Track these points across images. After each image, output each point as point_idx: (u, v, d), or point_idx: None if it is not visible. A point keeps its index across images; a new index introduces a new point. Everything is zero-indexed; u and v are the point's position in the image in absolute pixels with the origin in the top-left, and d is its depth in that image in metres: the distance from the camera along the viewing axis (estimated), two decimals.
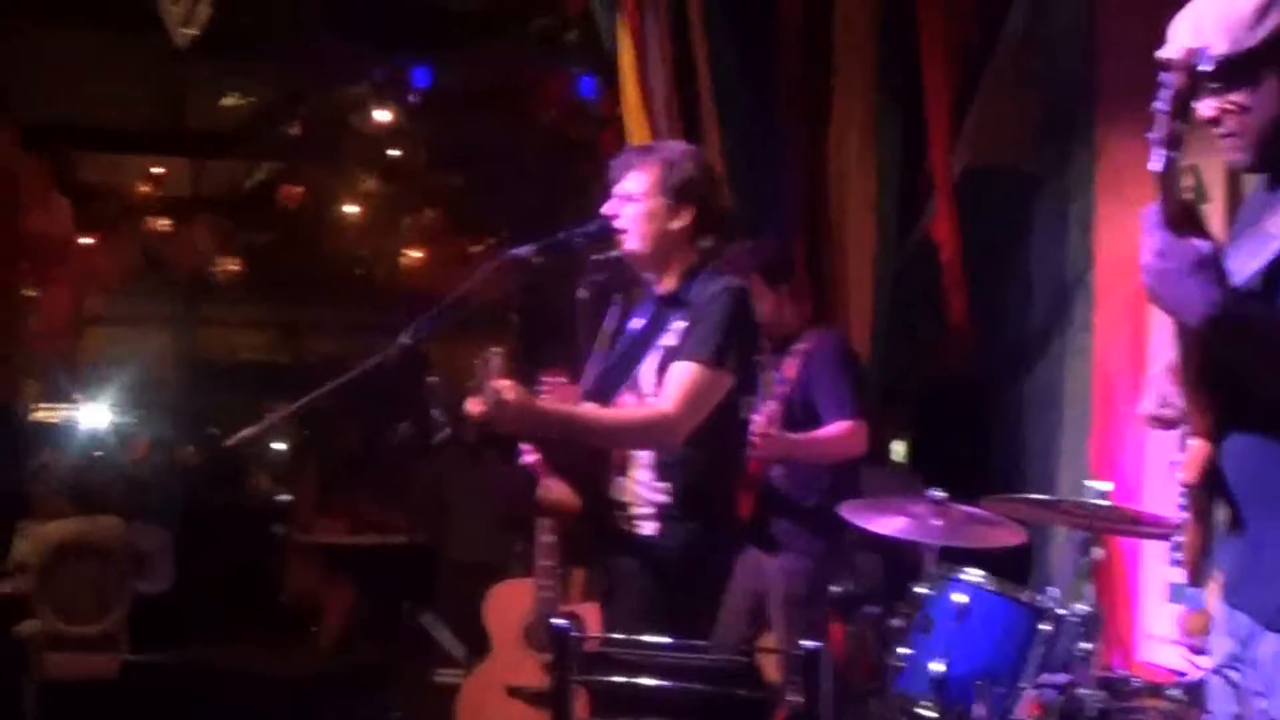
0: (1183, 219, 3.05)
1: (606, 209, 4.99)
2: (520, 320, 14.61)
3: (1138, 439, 7.14)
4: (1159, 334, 6.93)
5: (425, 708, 7.09)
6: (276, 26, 11.62)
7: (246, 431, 5.31)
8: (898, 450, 9.23)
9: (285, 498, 14.62)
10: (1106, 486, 5.41)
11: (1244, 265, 3.15)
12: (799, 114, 7.69)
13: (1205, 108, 3.24)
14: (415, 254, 17.64)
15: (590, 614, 6.06)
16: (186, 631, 10.19)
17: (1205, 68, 2.97)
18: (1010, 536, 6.04)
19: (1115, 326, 7.42)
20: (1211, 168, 6.56)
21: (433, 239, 16.96)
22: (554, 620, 3.36)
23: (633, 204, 4.94)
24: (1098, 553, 5.37)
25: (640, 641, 3.44)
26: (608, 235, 5.02)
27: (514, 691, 6.22)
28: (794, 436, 6.38)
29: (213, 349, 22.48)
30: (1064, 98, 7.97)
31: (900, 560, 7.02)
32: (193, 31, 9.28)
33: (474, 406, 4.48)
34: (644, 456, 4.84)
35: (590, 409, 4.82)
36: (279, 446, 17.12)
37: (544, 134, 11.52)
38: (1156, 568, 6.82)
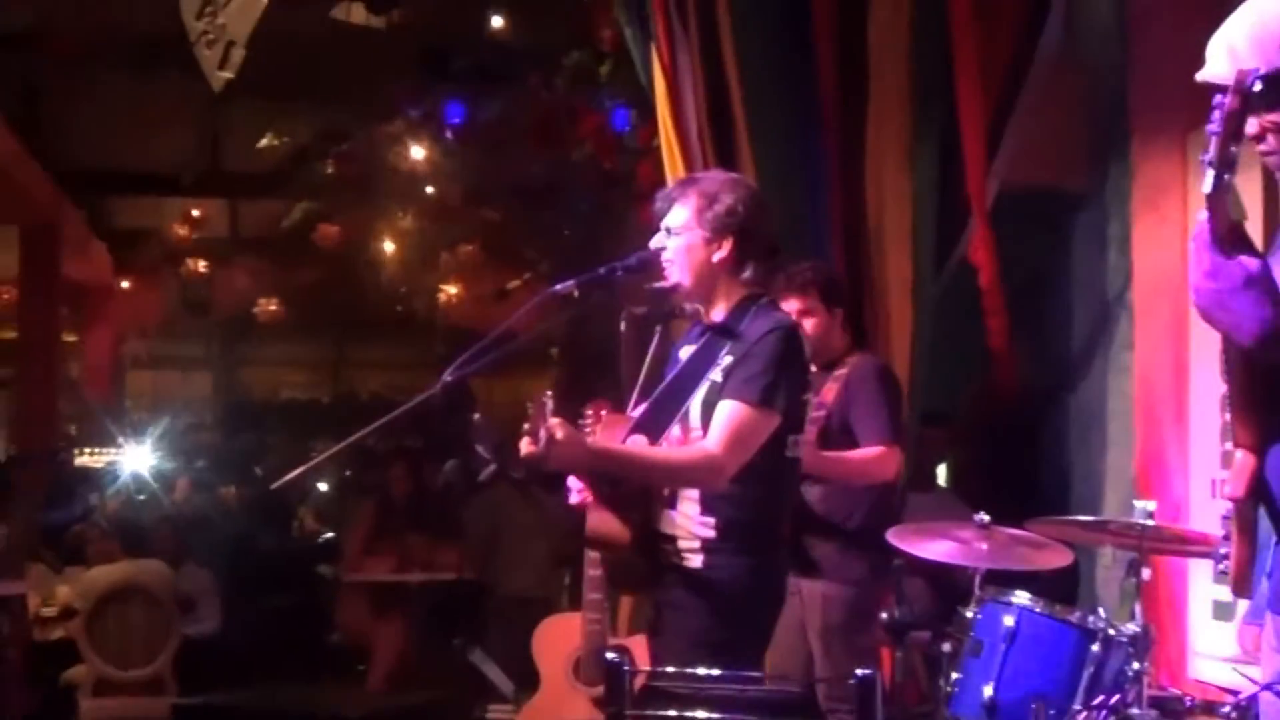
0: (1232, 238, 3.05)
1: (652, 243, 5.02)
2: (561, 353, 14.66)
3: (1182, 456, 7.12)
4: (1201, 349, 6.94)
5: None
6: (311, 67, 11.70)
7: (293, 473, 5.35)
8: (942, 473, 9.20)
9: (330, 536, 14.66)
10: (1152, 506, 5.39)
11: None
12: (834, 141, 7.66)
13: (1247, 125, 3.23)
14: (453, 289, 17.69)
15: (639, 647, 6.06)
16: (235, 674, 10.18)
17: (1257, 88, 2.97)
18: (1057, 558, 6.03)
19: (1156, 343, 7.40)
20: (1248, 183, 6.55)
21: (470, 274, 17.00)
22: (606, 654, 3.36)
23: (675, 237, 4.98)
24: (1145, 573, 5.33)
25: (694, 674, 3.43)
26: (648, 268, 5.07)
27: None
28: (824, 453, 6.38)
29: (255, 389, 22.60)
30: (1099, 117, 7.98)
31: (948, 585, 7.02)
32: (228, 75, 9.34)
33: (527, 446, 4.54)
34: (691, 491, 4.87)
35: (639, 447, 4.87)
36: (323, 486, 17.17)
37: (581, 167, 11.55)
38: (1204, 585, 6.81)
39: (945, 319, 7.84)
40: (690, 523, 4.86)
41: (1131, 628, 5.21)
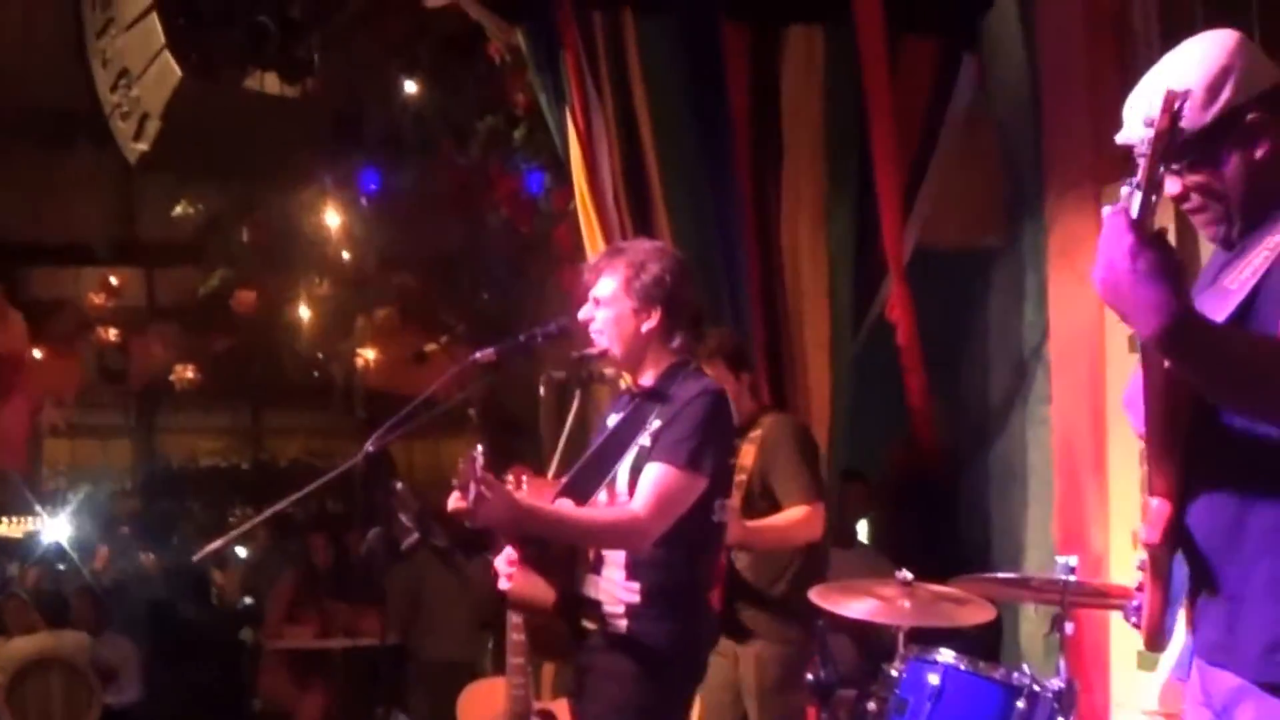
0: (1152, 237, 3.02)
1: (580, 314, 5.06)
2: (479, 416, 14.62)
3: (1102, 509, 7.16)
4: (1118, 401, 6.95)
5: None
6: (225, 136, 11.66)
7: (215, 544, 5.32)
8: (863, 530, 9.23)
9: (250, 603, 14.55)
10: (1073, 561, 5.42)
11: None
12: (749, 202, 7.67)
13: (1171, 185, 3.25)
14: (370, 354, 17.63)
15: (562, 711, 6.05)
16: None
17: (1187, 105, 2.96)
18: (980, 614, 6.05)
19: (1073, 396, 7.45)
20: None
21: (387, 338, 16.95)
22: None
23: (603, 308, 5.01)
24: (1069, 627, 5.37)
25: None
26: (568, 335, 5.16)
27: None
28: (751, 524, 6.40)
29: (173, 456, 22.45)
30: (1013, 173, 8.04)
31: (873, 642, 7.04)
32: (143, 147, 9.31)
33: (456, 501, 4.51)
34: (616, 555, 4.89)
35: (567, 508, 4.87)
36: (242, 553, 17.05)
37: (496, 232, 11.54)
38: (1126, 637, 6.83)
39: (864, 377, 7.87)
40: (615, 587, 4.87)
41: (1056, 683, 5.23)
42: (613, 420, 5.13)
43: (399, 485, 4.68)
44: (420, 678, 10.53)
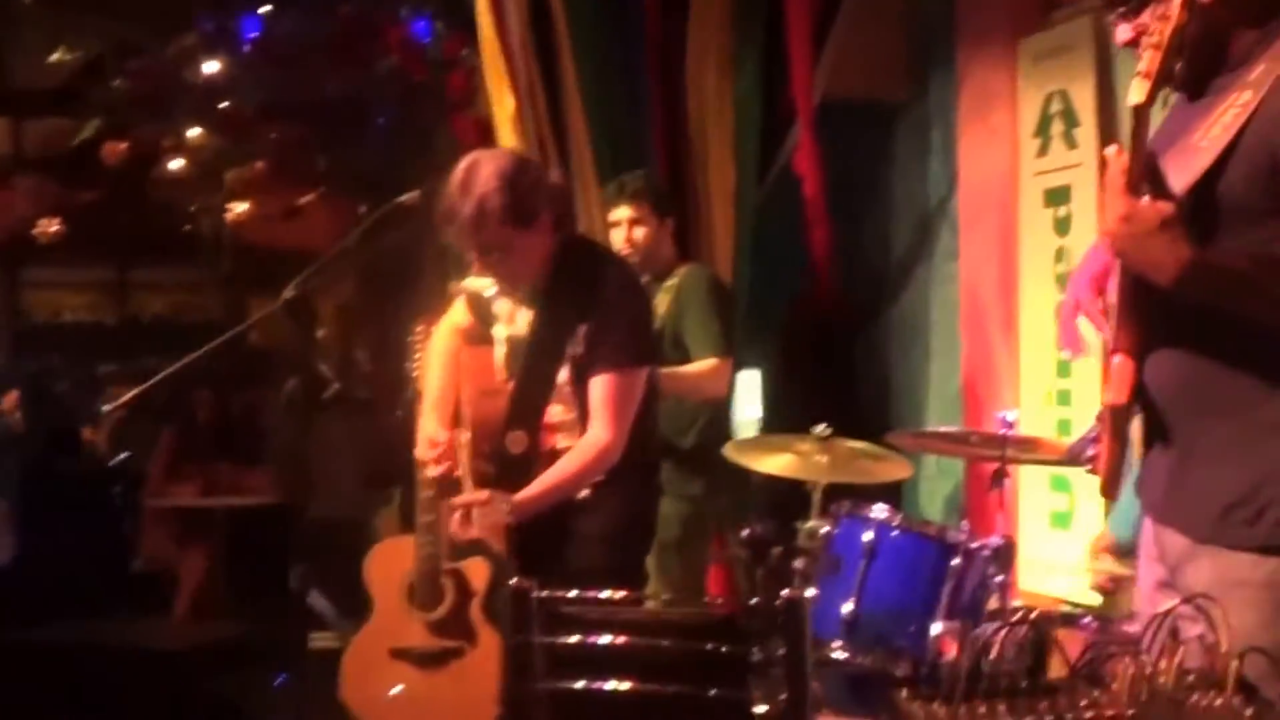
0: (1146, 176, 3.00)
1: (474, 270, 5.06)
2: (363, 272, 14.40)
3: (1012, 366, 7.13)
4: (1032, 259, 6.93)
5: (307, 674, 6.88)
6: None
7: (123, 399, 5.16)
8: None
9: (126, 456, 14.26)
10: (1013, 415, 5.38)
11: (1172, 182, 3.09)
12: (654, 49, 7.60)
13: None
14: (241, 207, 17.30)
15: (473, 571, 5.95)
16: (32, 608, 9.84)
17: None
18: (897, 470, 6.03)
19: (982, 253, 7.40)
20: (1081, 91, 6.55)
21: (259, 191, 16.63)
22: (515, 581, 3.23)
23: (497, 254, 4.92)
24: (1006, 483, 5.33)
25: (601, 599, 3.35)
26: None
27: (399, 653, 6.04)
28: (664, 371, 6.31)
29: (37, 312, 22.02)
30: (921, 27, 7.93)
31: (785, 498, 6.96)
32: None
33: (462, 528, 4.82)
34: (568, 428, 4.96)
35: (551, 479, 4.90)
36: (107, 408, 16.73)
37: (385, 81, 11.28)
38: (1040, 495, 6.82)
39: (769, 229, 7.82)
40: None
41: (994, 540, 5.18)
42: (522, 319, 5.10)
43: (322, 334, 4.53)
44: (308, 537, 10.34)
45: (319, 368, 4.82)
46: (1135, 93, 2.94)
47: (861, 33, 7.77)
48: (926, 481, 7.77)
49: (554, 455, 4.96)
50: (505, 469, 4.97)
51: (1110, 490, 3.27)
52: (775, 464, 5.86)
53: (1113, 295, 3.21)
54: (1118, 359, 3.17)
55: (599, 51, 7.53)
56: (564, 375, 4.93)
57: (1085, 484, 6.11)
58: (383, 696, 5.95)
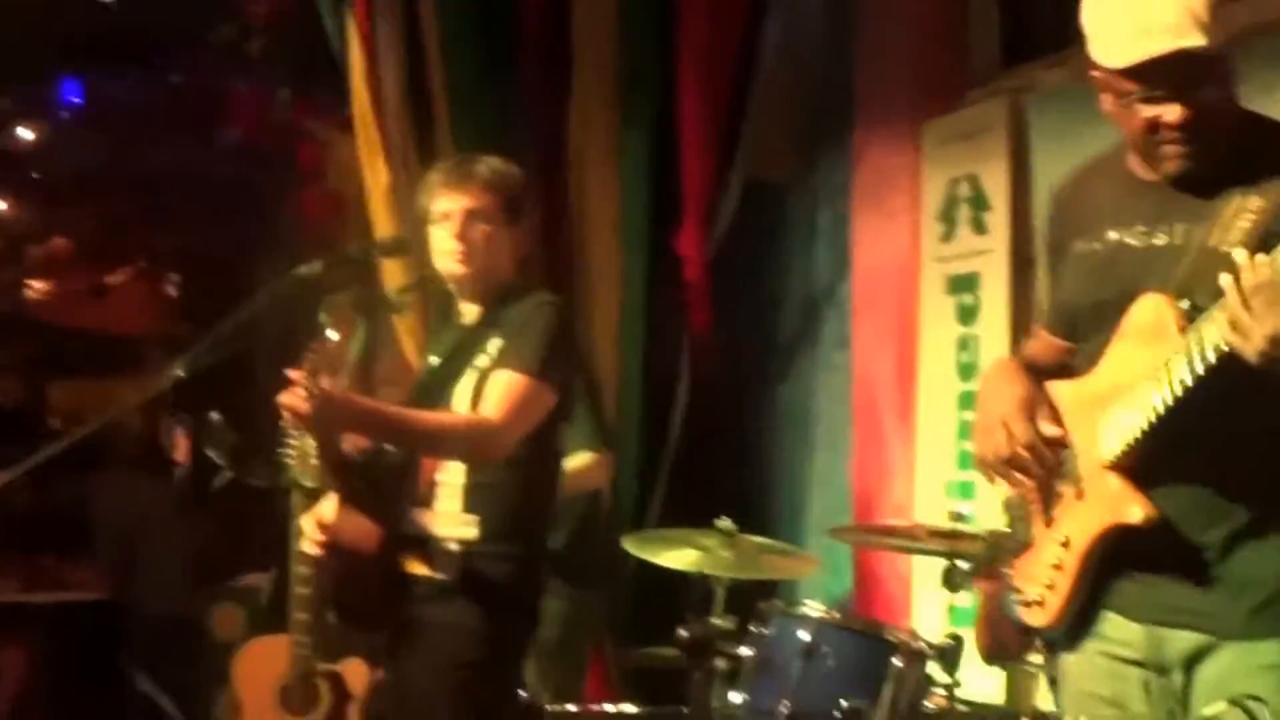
0: None
1: (454, 237, 4.66)
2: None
3: (908, 458, 6.91)
4: (932, 349, 6.73)
5: None
6: None
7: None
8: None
9: None
10: (967, 508, 5.16)
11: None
12: (539, 125, 7.47)
13: (1171, 111, 3.06)
14: (42, 285, 16.75)
15: (351, 673, 5.67)
16: None
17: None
18: (803, 567, 5.93)
19: (877, 342, 7.18)
20: (994, 174, 6.38)
21: (64, 268, 16.10)
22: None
23: (480, 225, 4.65)
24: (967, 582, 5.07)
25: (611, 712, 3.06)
26: (404, 249, 5.19)
27: None
28: None
29: None
30: (812, 106, 7.74)
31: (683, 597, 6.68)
32: None
33: (295, 400, 4.09)
34: (452, 485, 4.50)
35: (411, 410, 4.50)
36: None
37: (226, 151, 10.87)
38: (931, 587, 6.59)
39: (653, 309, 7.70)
40: (451, 521, 4.48)
41: (940, 640, 4.93)
42: (438, 355, 4.79)
43: (213, 416, 4.16)
44: (142, 636, 9.75)
45: (210, 454, 4.50)
46: None
47: (762, 116, 7.65)
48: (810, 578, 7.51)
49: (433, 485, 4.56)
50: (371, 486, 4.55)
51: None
52: (678, 558, 5.54)
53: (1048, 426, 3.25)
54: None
55: (477, 123, 7.30)
56: (465, 386, 4.52)
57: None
58: None
